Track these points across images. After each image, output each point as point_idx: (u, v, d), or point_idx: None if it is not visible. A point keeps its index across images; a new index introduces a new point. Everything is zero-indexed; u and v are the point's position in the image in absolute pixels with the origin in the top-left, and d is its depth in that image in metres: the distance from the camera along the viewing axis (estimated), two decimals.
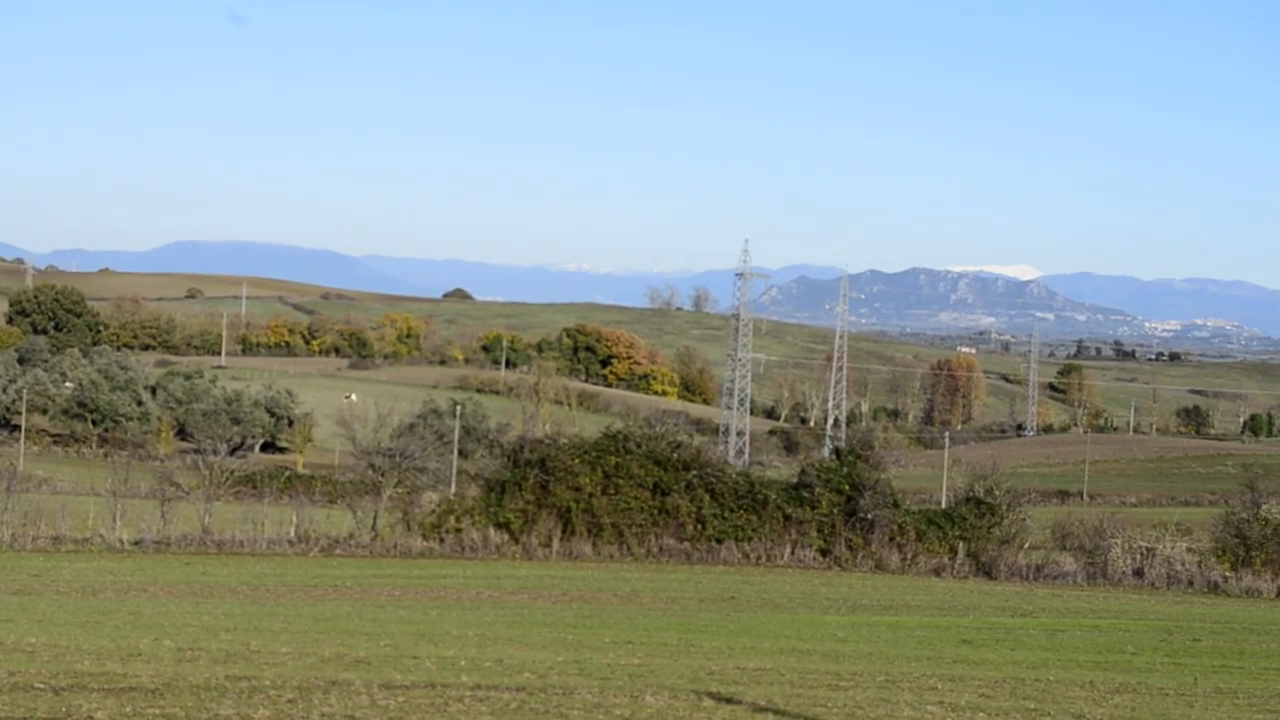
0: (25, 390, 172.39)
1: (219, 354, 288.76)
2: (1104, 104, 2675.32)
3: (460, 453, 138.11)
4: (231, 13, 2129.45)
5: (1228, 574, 72.73)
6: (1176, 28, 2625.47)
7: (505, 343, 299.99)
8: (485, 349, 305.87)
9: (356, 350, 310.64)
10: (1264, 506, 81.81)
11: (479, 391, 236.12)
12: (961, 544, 76.18)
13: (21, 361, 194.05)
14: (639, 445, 77.76)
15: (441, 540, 74.72)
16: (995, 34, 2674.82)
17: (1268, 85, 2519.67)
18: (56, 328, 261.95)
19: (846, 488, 77.12)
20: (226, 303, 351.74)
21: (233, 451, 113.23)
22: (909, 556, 75.28)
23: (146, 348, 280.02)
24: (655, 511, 75.95)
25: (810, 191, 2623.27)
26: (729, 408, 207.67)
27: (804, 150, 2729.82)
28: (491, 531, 74.67)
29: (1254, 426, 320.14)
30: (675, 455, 77.85)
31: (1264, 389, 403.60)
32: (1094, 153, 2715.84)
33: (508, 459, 79.57)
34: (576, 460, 76.59)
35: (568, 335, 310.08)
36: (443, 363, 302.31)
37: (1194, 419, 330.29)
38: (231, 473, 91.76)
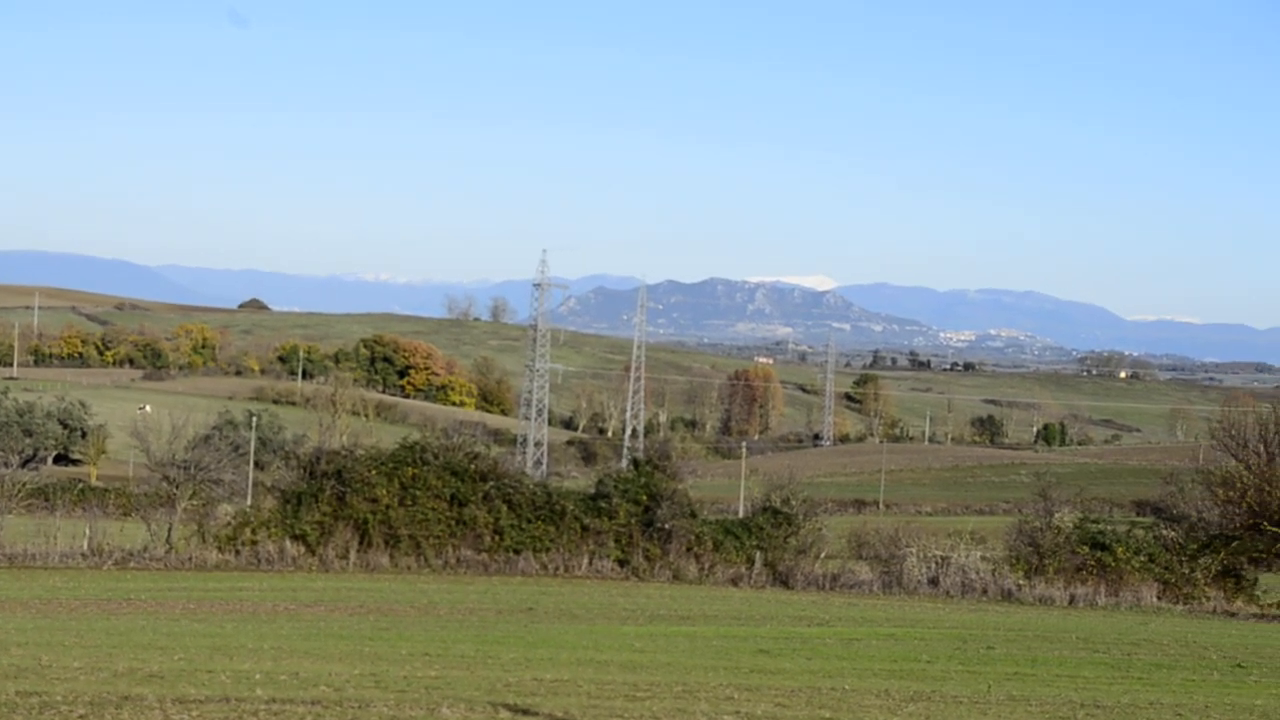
0: None
1: (10, 365, 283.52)
2: (900, 111, 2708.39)
3: (256, 464, 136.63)
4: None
5: (1021, 582, 73.62)
6: (971, 24, 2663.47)
7: (302, 353, 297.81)
8: (281, 360, 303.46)
9: (151, 361, 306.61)
10: (1056, 515, 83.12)
11: (275, 403, 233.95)
12: (759, 554, 76.49)
13: None
14: (436, 456, 77.25)
15: (237, 553, 73.68)
16: (797, 37, 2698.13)
17: (1058, 94, 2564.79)
18: None
19: (644, 498, 77.12)
20: (18, 313, 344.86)
21: (24, 464, 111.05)
22: (706, 566, 75.43)
23: None
24: (453, 523, 75.44)
25: (608, 201, 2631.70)
26: (527, 418, 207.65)
27: (601, 160, 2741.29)
28: (288, 544, 73.77)
29: (1047, 436, 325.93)
30: (472, 466, 77.41)
31: (1056, 398, 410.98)
32: (890, 163, 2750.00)
33: (304, 470, 78.70)
34: (373, 471, 75.89)
35: (365, 346, 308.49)
36: (239, 374, 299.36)
37: (988, 428, 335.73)
38: (23, 485, 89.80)
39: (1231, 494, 79.36)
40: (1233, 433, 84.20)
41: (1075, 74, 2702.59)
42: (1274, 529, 75.62)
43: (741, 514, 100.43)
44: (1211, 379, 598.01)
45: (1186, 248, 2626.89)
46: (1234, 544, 78.00)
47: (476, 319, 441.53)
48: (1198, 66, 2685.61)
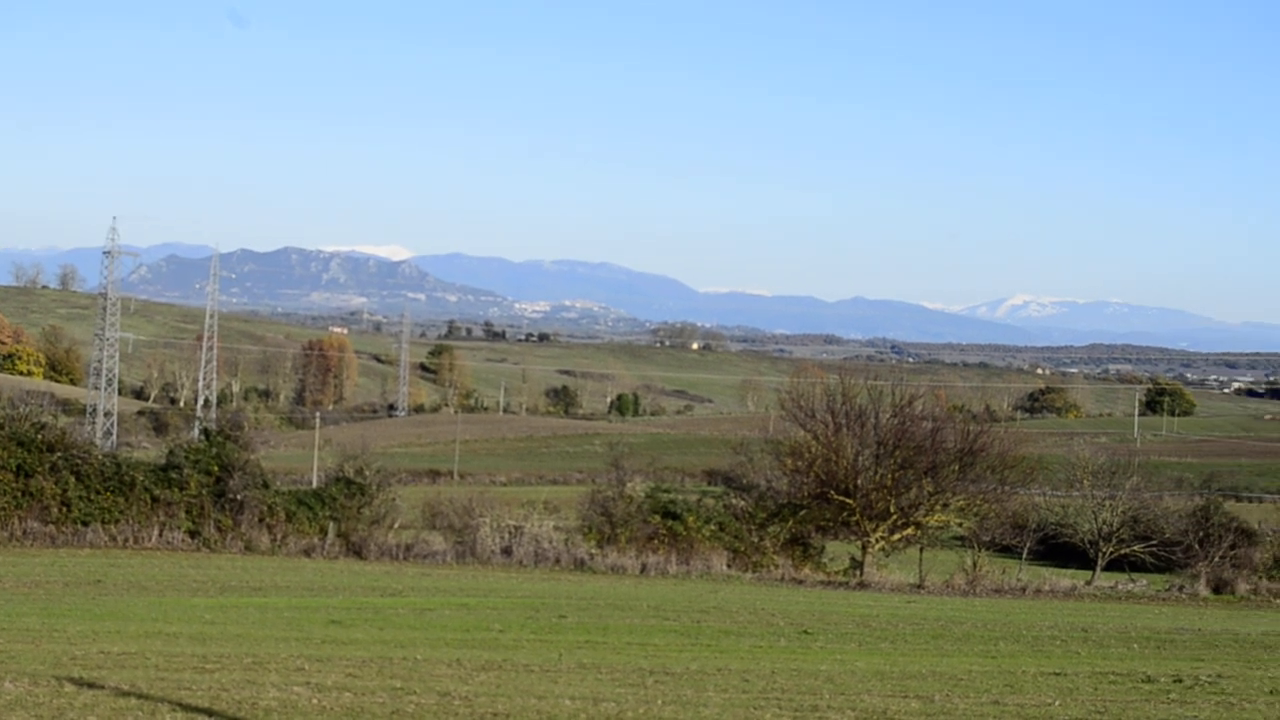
0: None
1: None
2: (471, 79, 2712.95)
3: None
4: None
5: (594, 551, 74.32)
6: None
7: None
8: None
9: None
10: (628, 485, 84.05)
11: None
12: (332, 524, 75.82)
13: None
14: (1, 427, 74.79)
15: None
16: (373, 6, 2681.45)
17: (635, 60, 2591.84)
18: None
19: (215, 469, 75.80)
20: None
21: None
22: (279, 537, 74.46)
23: None
24: (19, 494, 73.03)
25: (181, 169, 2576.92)
26: (96, 388, 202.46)
27: (174, 128, 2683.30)
28: None
29: (620, 406, 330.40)
30: (39, 437, 75.05)
31: (630, 369, 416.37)
32: (464, 133, 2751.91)
33: None
34: None
35: None
36: None
37: (562, 399, 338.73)
38: None
39: (800, 464, 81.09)
40: (801, 403, 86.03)
41: (644, 33, 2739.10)
42: (841, 498, 77.55)
43: (315, 485, 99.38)
44: (781, 350, 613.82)
45: (755, 220, 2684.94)
46: (802, 513, 79.87)
47: (45, 287, 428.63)
48: (765, 49, 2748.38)
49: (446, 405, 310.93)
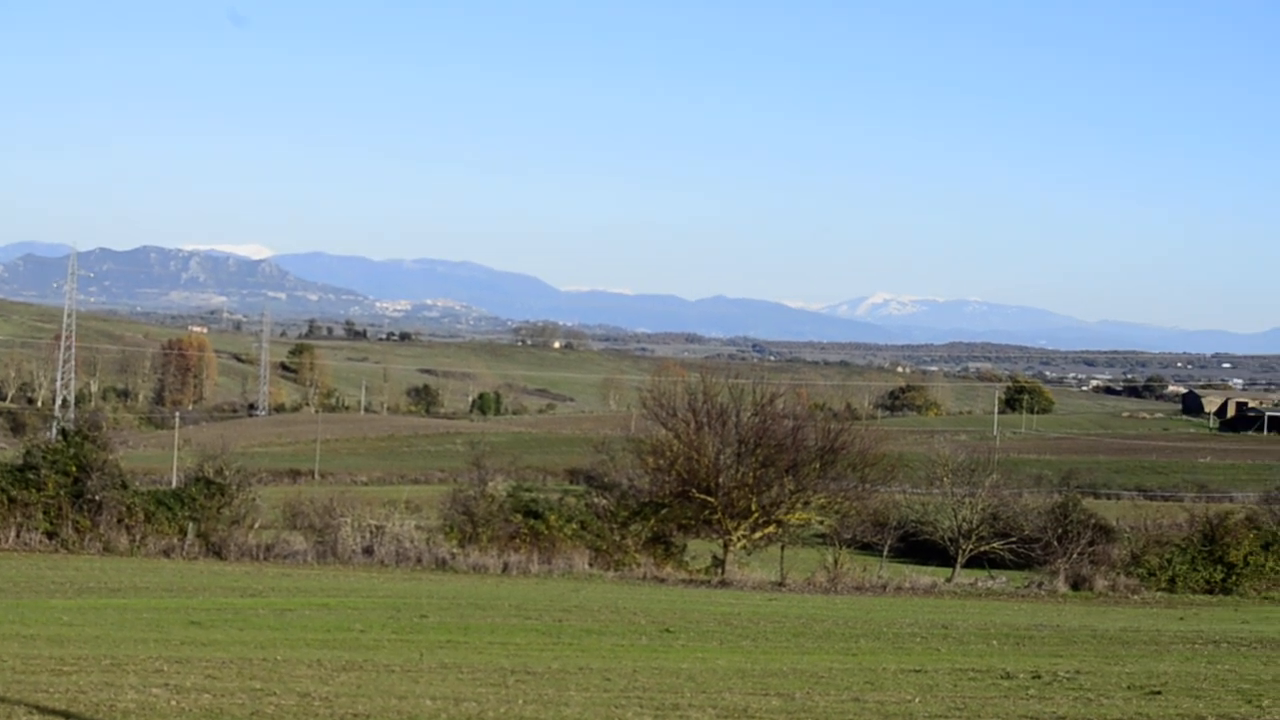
0: None
1: None
2: (324, 79, 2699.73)
3: None
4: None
5: (455, 550, 74.15)
6: None
7: None
8: None
9: None
10: (490, 484, 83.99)
11: None
12: (191, 524, 75.19)
13: None
14: None
15: None
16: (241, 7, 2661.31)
17: (484, 61, 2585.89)
18: None
19: (74, 469, 74.97)
20: None
21: None
22: (138, 538, 73.80)
23: None
24: None
25: (37, 166, 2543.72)
26: None
27: (31, 123, 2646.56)
28: None
29: (482, 405, 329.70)
30: None
31: (491, 368, 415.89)
32: (322, 131, 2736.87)
33: None
34: None
35: None
36: None
37: (424, 398, 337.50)
38: None
39: (661, 462, 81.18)
40: (662, 402, 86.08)
41: (501, 29, 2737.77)
42: (702, 496, 77.72)
43: (174, 485, 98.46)
44: (643, 349, 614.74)
45: (616, 219, 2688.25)
46: (663, 511, 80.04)
47: None
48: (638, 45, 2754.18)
49: (307, 405, 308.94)
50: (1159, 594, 75.32)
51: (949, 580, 78.85)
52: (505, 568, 71.92)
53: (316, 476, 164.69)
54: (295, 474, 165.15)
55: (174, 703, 24.84)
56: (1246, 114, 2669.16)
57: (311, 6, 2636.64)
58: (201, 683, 27.22)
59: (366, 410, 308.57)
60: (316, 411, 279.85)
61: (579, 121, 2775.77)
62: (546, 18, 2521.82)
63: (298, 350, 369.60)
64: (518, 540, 75.81)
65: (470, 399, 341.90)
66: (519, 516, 77.95)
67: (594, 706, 25.87)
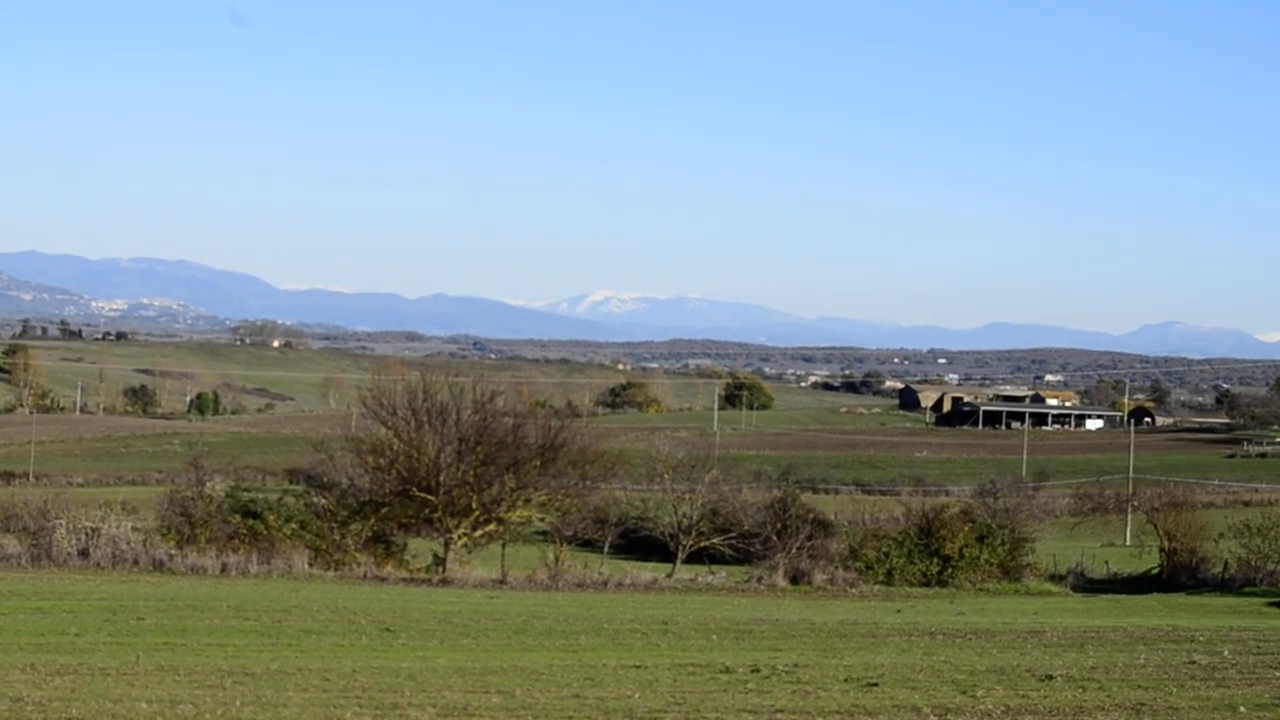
0: None
1: None
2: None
3: None
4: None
5: (173, 552, 73.13)
6: None
7: None
8: None
9: None
10: (208, 484, 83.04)
11: None
12: None
13: None
14: None
15: None
16: None
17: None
18: None
19: None
20: None
21: None
22: None
23: None
24: None
25: None
26: None
27: None
28: None
29: (200, 405, 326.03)
30: None
31: (210, 367, 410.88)
32: (38, 124, 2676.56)
33: None
34: None
35: None
36: None
37: (141, 398, 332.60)
38: None
39: (381, 461, 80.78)
40: (383, 401, 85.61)
41: (217, 29, 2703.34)
42: (423, 495, 77.50)
43: None
44: (364, 347, 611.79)
45: (336, 217, 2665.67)
46: (384, 510, 79.67)
47: None
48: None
49: (21, 406, 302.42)
50: (877, 587, 76.67)
51: (669, 576, 79.50)
52: (224, 568, 71.07)
53: (31, 478, 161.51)
54: (9, 476, 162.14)
55: None
56: (961, 107, 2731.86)
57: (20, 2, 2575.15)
58: None
59: (82, 411, 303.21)
60: (31, 412, 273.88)
61: (294, 118, 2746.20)
62: (246, 15, 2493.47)
63: (11, 350, 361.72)
64: (236, 541, 75.01)
65: (188, 399, 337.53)
66: (237, 517, 77.19)
67: (313, 707, 25.76)
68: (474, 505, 78.07)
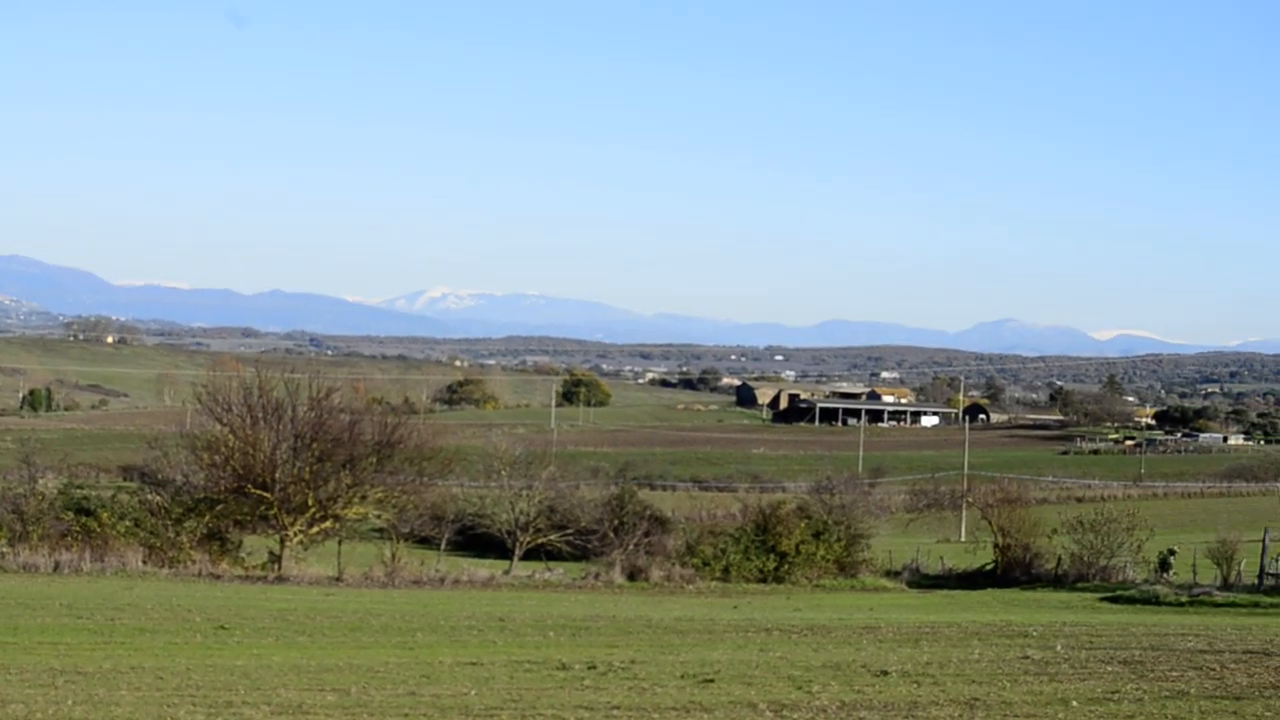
0: None
1: None
2: None
3: None
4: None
5: (4, 550, 72.27)
6: None
7: None
8: None
9: None
10: (40, 481, 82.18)
11: None
12: None
13: None
14: None
15: None
16: None
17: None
18: None
19: None
20: None
21: None
22: None
23: None
24: None
25: None
26: None
27: None
28: None
29: (33, 402, 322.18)
30: None
31: (43, 364, 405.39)
32: None
33: None
34: None
35: None
36: None
37: None
38: None
39: (216, 458, 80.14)
40: (218, 397, 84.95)
41: (50, 17, 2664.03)
42: (258, 492, 76.99)
43: None
44: (199, 343, 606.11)
45: (170, 211, 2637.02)
46: (219, 507, 79.06)
47: None
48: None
49: None
50: (714, 583, 77.09)
51: (507, 572, 79.51)
52: (56, 566, 70.24)
53: None
54: None
55: None
56: (800, 107, 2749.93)
57: None
58: None
59: None
60: None
61: (128, 113, 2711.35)
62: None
63: None
64: (69, 538, 74.17)
65: (20, 395, 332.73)
66: (70, 514, 76.31)
67: (146, 706, 25.56)
68: (310, 502, 77.67)
